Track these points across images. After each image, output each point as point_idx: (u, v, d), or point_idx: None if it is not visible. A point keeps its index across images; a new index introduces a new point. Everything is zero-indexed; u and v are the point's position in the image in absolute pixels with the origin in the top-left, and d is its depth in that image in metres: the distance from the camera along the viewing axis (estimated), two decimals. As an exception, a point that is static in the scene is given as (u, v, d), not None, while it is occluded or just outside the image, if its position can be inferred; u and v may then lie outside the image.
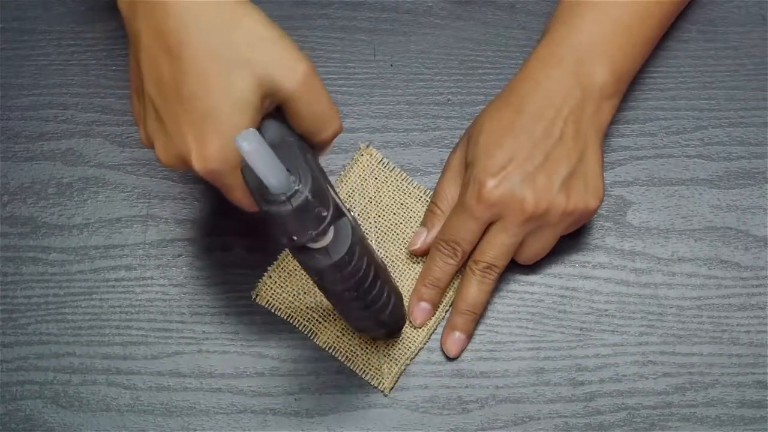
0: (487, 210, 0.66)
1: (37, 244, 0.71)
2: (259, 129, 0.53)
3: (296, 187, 0.50)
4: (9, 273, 0.71)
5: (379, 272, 0.60)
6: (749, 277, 0.71)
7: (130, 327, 0.70)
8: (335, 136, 0.57)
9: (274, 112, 0.55)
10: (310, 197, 0.50)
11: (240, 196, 0.55)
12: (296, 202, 0.49)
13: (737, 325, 0.70)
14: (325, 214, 0.51)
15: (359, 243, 0.56)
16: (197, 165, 0.53)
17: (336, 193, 0.55)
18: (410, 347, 0.69)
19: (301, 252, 0.54)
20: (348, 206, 0.65)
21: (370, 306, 0.61)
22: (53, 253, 0.71)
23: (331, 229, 0.53)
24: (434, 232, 0.69)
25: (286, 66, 0.53)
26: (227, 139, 0.52)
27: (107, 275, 0.71)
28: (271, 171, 0.48)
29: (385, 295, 0.62)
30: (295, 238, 0.51)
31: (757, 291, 0.70)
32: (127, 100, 0.74)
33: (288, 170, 0.50)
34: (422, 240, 0.69)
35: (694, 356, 0.69)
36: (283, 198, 0.49)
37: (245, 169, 0.52)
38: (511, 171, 0.66)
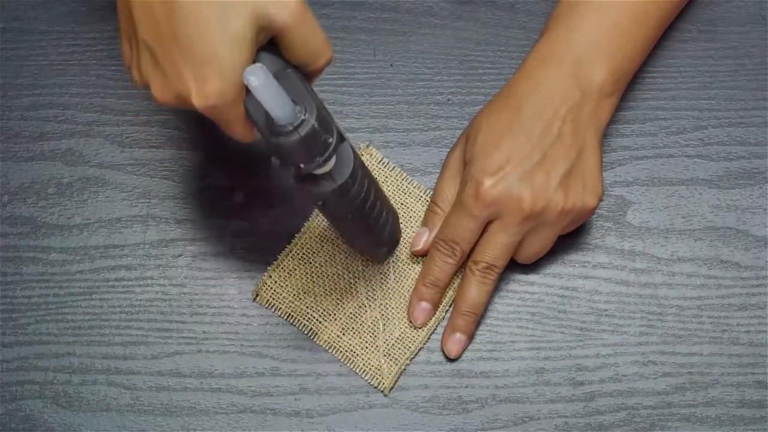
0: (485, 209, 0.66)
1: (37, 244, 0.71)
2: (255, 62, 0.54)
3: (303, 117, 0.51)
4: (9, 273, 0.71)
5: (378, 193, 0.61)
6: (749, 277, 0.71)
7: (130, 327, 0.70)
8: (327, 64, 0.57)
9: (267, 43, 0.55)
10: (316, 125, 0.51)
11: (239, 129, 0.56)
12: (304, 131, 0.51)
13: (737, 325, 0.70)
14: (330, 140, 0.53)
15: (360, 166, 0.58)
16: (198, 102, 0.53)
17: (333, 119, 0.55)
18: (410, 347, 0.69)
19: (307, 180, 0.55)
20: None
21: (372, 226, 0.63)
22: (53, 253, 0.71)
23: (334, 155, 0.55)
24: (436, 231, 0.69)
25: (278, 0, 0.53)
26: (226, 75, 0.52)
27: (107, 275, 0.71)
28: (278, 103, 0.50)
29: (385, 213, 0.63)
30: (302, 165, 0.53)
31: (757, 291, 0.70)
32: (127, 100, 0.74)
33: (293, 101, 0.51)
34: (424, 240, 0.69)
35: (694, 356, 0.69)
36: (291, 128, 0.51)
37: (249, 103, 0.52)
38: (509, 170, 0.66)
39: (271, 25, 0.53)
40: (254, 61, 0.53)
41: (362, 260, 0.70)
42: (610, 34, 0.68)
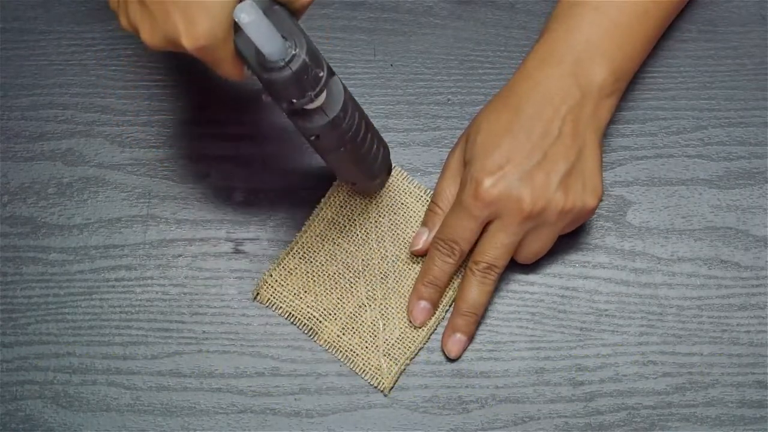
0: (485, 209, 0.66)
1: (37, 244, 0.71)
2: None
3: (293, 52, 0.52)
4: (9, 273, 0.71)
5: (368, 125, 0.62)
6: (749, 277, 0.71)
7: (130, 327, 0.70)
8: (312, 0, 0.57)
9: None
10: (307, 60, 0.52)
11: (230, 68, 0.56)
12: (295, 66, 0.52)
13: (737, 325, 0.70)
14: (321, 74, 0.54)
15: (350, 99, 0.58)
16: (188, 44, 0.54)
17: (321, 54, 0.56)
18: (410, 347, 0.69)
19: (299, 116, 0.56)
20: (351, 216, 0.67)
21: (365, 157, 0.63)
22: (53, 253, 0.71)
23: (325, 89, 0.55)
24: (435, 231, 0.69)
25: None
26: (214, 14, 0.53)
27: (107, 275, 0.71)
28: (269, 40, 0.51)
29: (375, 145, 0.64)
30: (295, 101, 0.54)
31: (757, 291, 0.70)
32: (127, 100, 0.74)
33: (283, 36, 0.51)
34: (424, 240, 0.69)
35: (694, 356, 0.69)
36: (282, 64, 0.52)
37: (240, 41, 0.53)
38: (509, 170, 0.66)
39: None
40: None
41: (362, 260, 0.70)
42: (610, 33, 0.68)
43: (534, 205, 0.65)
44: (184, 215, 0.72)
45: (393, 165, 0.73)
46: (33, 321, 0.70)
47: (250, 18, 0.49)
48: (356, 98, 0.74)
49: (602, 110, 0.68)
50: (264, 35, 0.51)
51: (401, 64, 0.75)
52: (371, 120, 0.64)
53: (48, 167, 0.73)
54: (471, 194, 0.66)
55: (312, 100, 0.55)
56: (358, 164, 0.64)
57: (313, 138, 0.59)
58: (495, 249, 0.67)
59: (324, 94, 0.56)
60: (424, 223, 0.70)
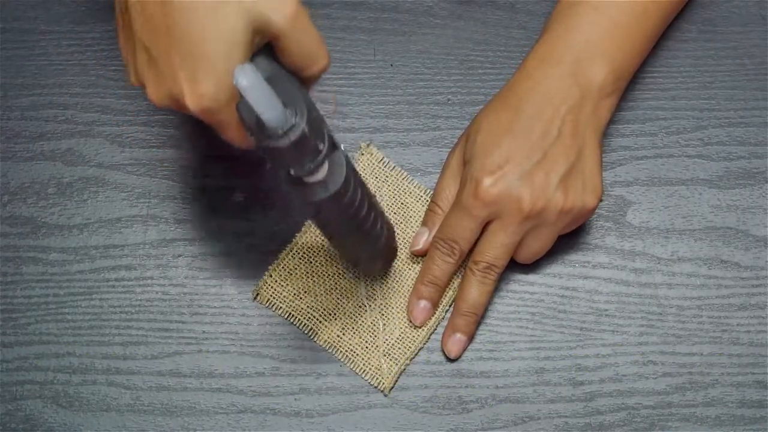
0: (484, 208, 0.66)
1: (37, 244, 0.71)
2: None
3: (293, 121, 0.50)
4: (9, 273, 0.71)
5: (372, 203, 0.61)
6: (749, 277, 0.71)
7: (130, 327, 0.70)
8: (323, 71, 0.56)
9: (263, 47, 0.55)
10: (307, 130, 0.50)
11: (233, 133, 0.55)
12: (294, 135, 0.50)
13: (737, 325, 0.70)
14: (321, 146, 0.52)
15: (353, 174, 0.57)
16: (191, 104, 0.53)
17: (328, 126, 0.55)
18: (410, 347, 0.69)
19: (299, 186, 0.55)
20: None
21: (366, 237, 0.62)
22: (53, 253, 0.71)
23: (327, 162, 0.54)
24: (435, 231, 0.69)
25: (274, 2, 0.52)
26: (220, 77, 0.52)
27: (107, 275, 0.71)
28: (268, 106, 0.49)
29: (379, 225, 0.63)
30: (292, 171, 0.52)
31: (757, 291, 0.70)
32: (127, 99, 0.74)
33: (284, 104, 0.50)
34: (424, 240, 0.69)
35: (694, 356, 0.69)
36: (281, 132, 0.50)
37: (241, 106, 0.52)
38: (509, 170, 0.66)
39: (266, 28, 0.53)
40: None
41: None
42: (610, 33, 0.68)
43: (534, 205, 0.65)
44: (184, 215, 0.72)
45: (392, 165, 0.73)
46: (33, 321, 0.70)
47: (248, 81, 0.48)
48: (356, 98, 0.74)
49: (602, 110, 0.68)
50: (263, 100, 0.49)
51: (401, 64, 0.76)
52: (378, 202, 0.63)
53: (48, 167, 0.73)
54: (471, 194, 0.66)
55: (311, 172, 0.53)
56: (357, 243, 0.63)
57: (312, 212, 0.57)
58: (495, 249, 0.67)
59: (325, 168, 0.54)
60: (424, 223, 0.70)
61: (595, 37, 0.68)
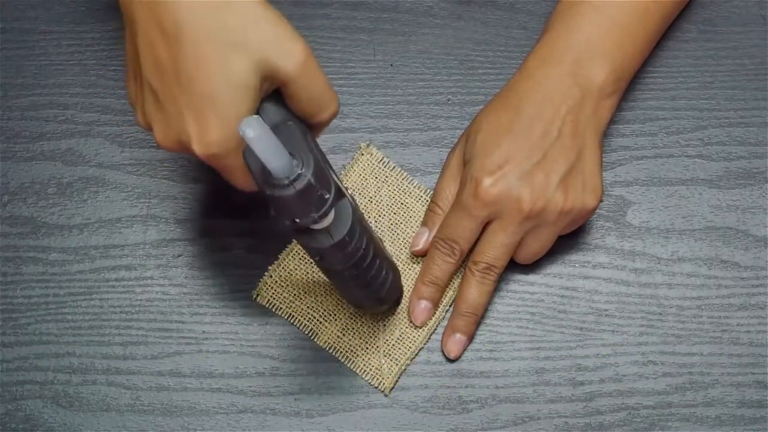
0: (484, 208, 0.66)
1: (37, 244, 0.71)
2: (258, 111, 0.54)
3: (299, 171, 0.50)
4: (9, 273, 0.71)
5: (377, 250, 0.61)
6: (749, 277, 0.71)
7: (130, 327, 0.70)
8: (333, 117, 0.57)
9: (272, 93, 0.55)
10: (312, 180, 0.50)
11: (240, 178, 0.55)
12: (299, 185, 0.50)
13: (737, 325, 0.70)
14: (327, 196, 0.52)
15: (359, 222, 0.57)
16: (198, 149, 0.53)
17: (335, 174, 0.55)
18: (410, 347, 0.69)
19: (303, 234, 0.55)
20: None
21: (370, 283, 0.62)
22: (53, 253, 0.71)
23: (332, 210, 0.54)
24: (435, 231, 0.69)
25: (282, 48, 0.52)
26: (227, 123, 0.52)
27: (107, 275, 0.71)
28: (274, 156, 0.49)
29: (384, 271, 0.63)
30: (297, 220, 0.52)
31: (757, 291, 0.70)
32: (126, 99, 0.74)
33: (290, 153, 0.50)
34: (424, 240, 0.69)
35: (694, 356, 0.69)
36: (287, 182, 0.50)
37: (247, 153, 0.52)
38: (509, 170, 0.66)
39: (275, 74, 0.53)
40: (257, 111, 0.53)
41: None
42: (611, 33, 0.68)
43: (533, 205, 0.65)
44: (184, 215, 0.72)
45: (393, 165, 0.73)
46: (33, 321, 0.70)
47: (254, 133, 0.48)
48: (356, 98, 0.74)
49: (602, 110, 0.68)
50: (269, 151, 0.49)
51: (401, 64, 0.76)
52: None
53: (48, 167, 0.73)
54: (471, 194, 0.66)
55: (316, 221, 0.53)
56: (363, 289, 0.63)
57: (317, 258, 0.57)
58: (494, 249, 0.67)
59: (330, 216, 0.54)
60: (424, 223, 0.70)
61: (596, 37, 0.68)
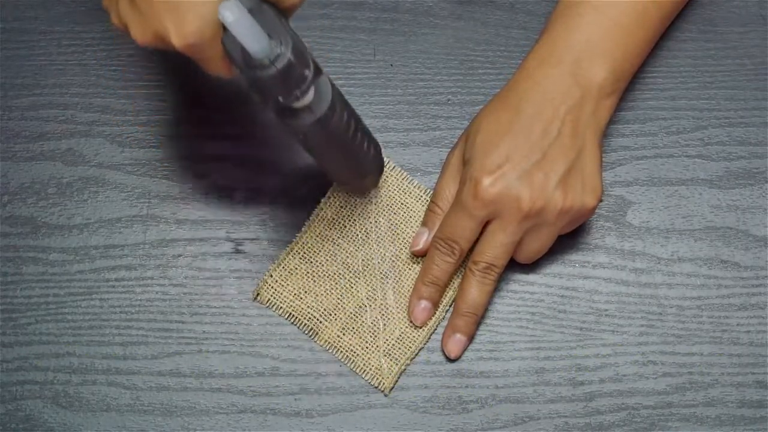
0: (484, 208, 0.66)
1: (37, 244, 0.71)
2: None
3: (279, 51, 0.52)
4: (9, 273, 0.71)
5: (358, 123, 0.62)
6: (749, 277, 0.71)
7: (130, 327, 0.70)
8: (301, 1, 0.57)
9: None
10: (292, 59, 0.52)
11: (218, 66, 0.57)
12: (280, 64, 0.52)
13: (737, 325, 0.70)
14: (307, 73, 0.54)
15: (338, 97, 0.59)
16: (177, 42, 0.54)
17: (311, 53, 0.56)
18: (410, 347, 0.69)
19: (286, 114, 0.57)
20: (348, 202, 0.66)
21: (354, 156, 0.64)
22: (53, 253, 0.71)
23: (312, 88, 0.56)
24: (435, 231, 0.69)
25: None
26: (203, 14, 0.53)
27: (107, 275, 0.71)
28: (254, 38, 0.51)
29: (366, 143, 0.64)
30: (280, 99, 0.54)
31: (757, 291, 0.70)
32: (127, 99, 0.74)
33: (268, 35, 0.52)
34: (424, 240, 0.69)
35: (694, 356, 0.69)
36: (267, 62, 0.52)
37: (226, 39, 0.54)
38: (508, 169, 0.66)
39: None
40: None
41: (362, 260, 0.70)
42: (611, 33, 0.68)
43: (533, 204, 0.65)
44: (184, 215, 0.72)
45: (393, 165, 0.73)
46: (33, 321, 0.70)
47: (234, 17, 0.50)
48: (356, 98, 0.74)
49: (602, 110, 0.68)
50: (248, 34, 0.51)
51: (401, 64, 0.75)
52: (368, 118, 0.64)
53: (48, 167, 0.73)
54: (470, 193, 0.66)
55: (298, 99, 0.55)
56: (347, 162, 0.64)
57: (301, 137, 0.59)
58: (494, 248, 0.67)
59: (311, 93, 0.56)
60: (424, 223, 0.70)
61: (596, 37, 0.68)
